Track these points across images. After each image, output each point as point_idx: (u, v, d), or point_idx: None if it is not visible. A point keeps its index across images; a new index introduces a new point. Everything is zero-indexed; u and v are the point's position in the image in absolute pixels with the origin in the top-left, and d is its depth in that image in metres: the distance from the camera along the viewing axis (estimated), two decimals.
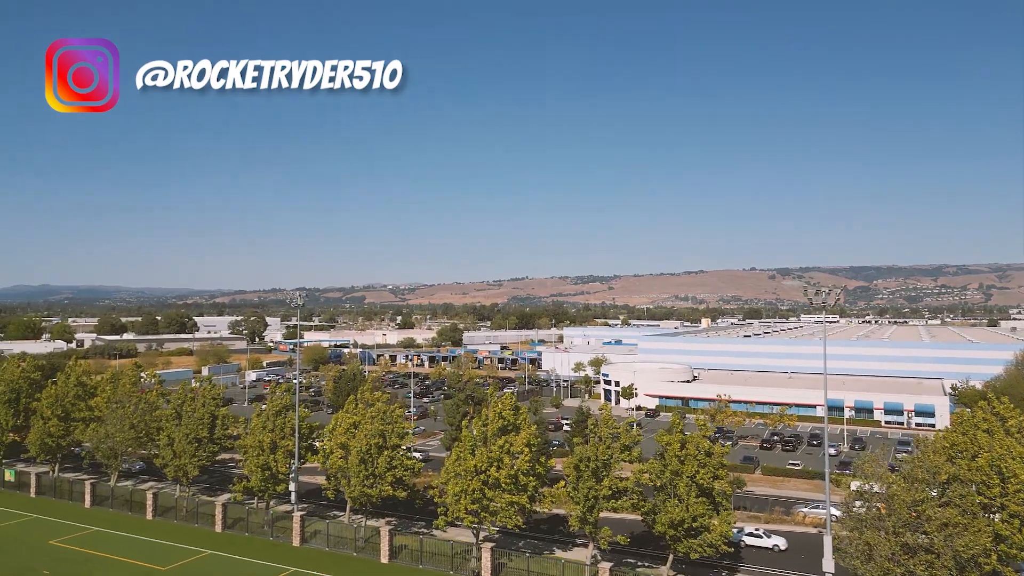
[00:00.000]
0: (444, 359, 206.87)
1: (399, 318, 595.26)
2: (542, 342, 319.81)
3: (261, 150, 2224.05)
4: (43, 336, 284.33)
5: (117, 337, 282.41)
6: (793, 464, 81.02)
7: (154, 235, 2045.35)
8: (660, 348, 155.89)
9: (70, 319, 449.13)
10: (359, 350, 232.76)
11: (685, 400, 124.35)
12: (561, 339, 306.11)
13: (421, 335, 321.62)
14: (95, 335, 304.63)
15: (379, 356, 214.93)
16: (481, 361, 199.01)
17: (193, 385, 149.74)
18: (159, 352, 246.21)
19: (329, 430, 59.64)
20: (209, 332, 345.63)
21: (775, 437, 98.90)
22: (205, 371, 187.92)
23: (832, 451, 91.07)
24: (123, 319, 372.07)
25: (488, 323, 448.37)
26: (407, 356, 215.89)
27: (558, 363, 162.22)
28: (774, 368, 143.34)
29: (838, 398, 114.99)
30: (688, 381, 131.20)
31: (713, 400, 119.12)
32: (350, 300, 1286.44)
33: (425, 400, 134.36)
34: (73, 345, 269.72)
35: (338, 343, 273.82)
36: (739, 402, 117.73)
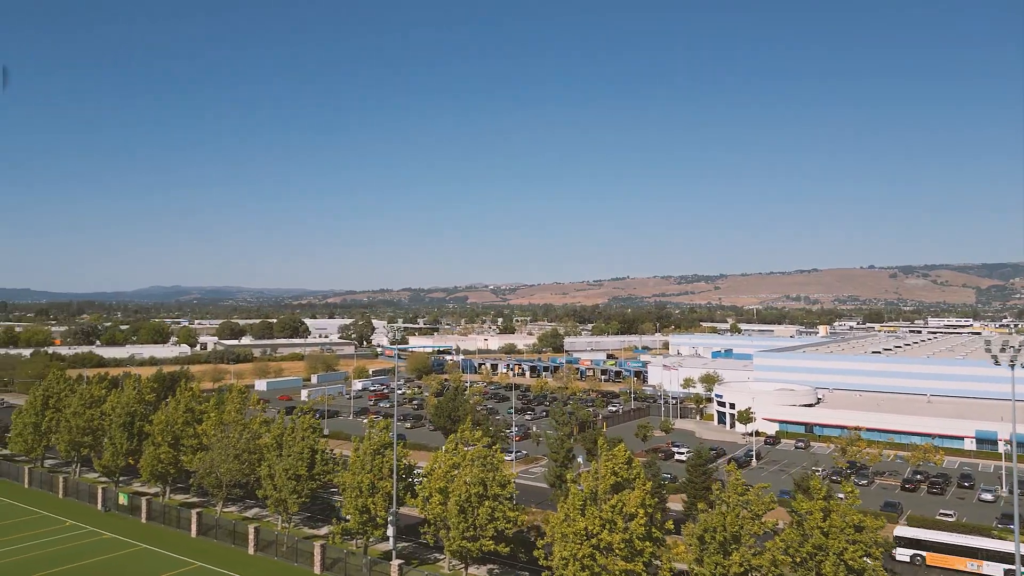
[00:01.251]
0: (546, 369, 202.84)
1: (500, 320, 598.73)
2: (646, 349, 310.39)
3: (370, 154, 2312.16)
4: (170, 340, 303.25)
5: (236, 342, 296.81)
6: (945, 514, 70.56)
7: (273, 239, 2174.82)
8: (778, 365, 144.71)
9: (196, 321, 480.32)
10: (461, 357, 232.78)
11: (809, 426, 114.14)
12: (666, 346, 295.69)
13: (522, 340, 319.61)
14: (216, 338, 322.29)
15: (480, 365, 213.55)
16: (584, 372, 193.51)
17: (304, 399, 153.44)
18: (272, 357, 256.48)
19: (428, 471, 56.61)
20: (320, 335, 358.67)
21: (918, 476, 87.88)
22: (314, 379, 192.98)
23: (989, 496, 79.77)
24: (241, 322, 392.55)
25: (589, 327, 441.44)
26: (508, 365, 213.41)
27: (666, 379, 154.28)
28: (910, 389, 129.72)
29: (990, 429, 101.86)
30: (811, 404, 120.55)
31: (841, 428, 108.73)
32: (453, 300, 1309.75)
33: (527, 417, 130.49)
34: (197, 348, 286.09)
35: (441, 349, 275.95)
36: (872, 430, 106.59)
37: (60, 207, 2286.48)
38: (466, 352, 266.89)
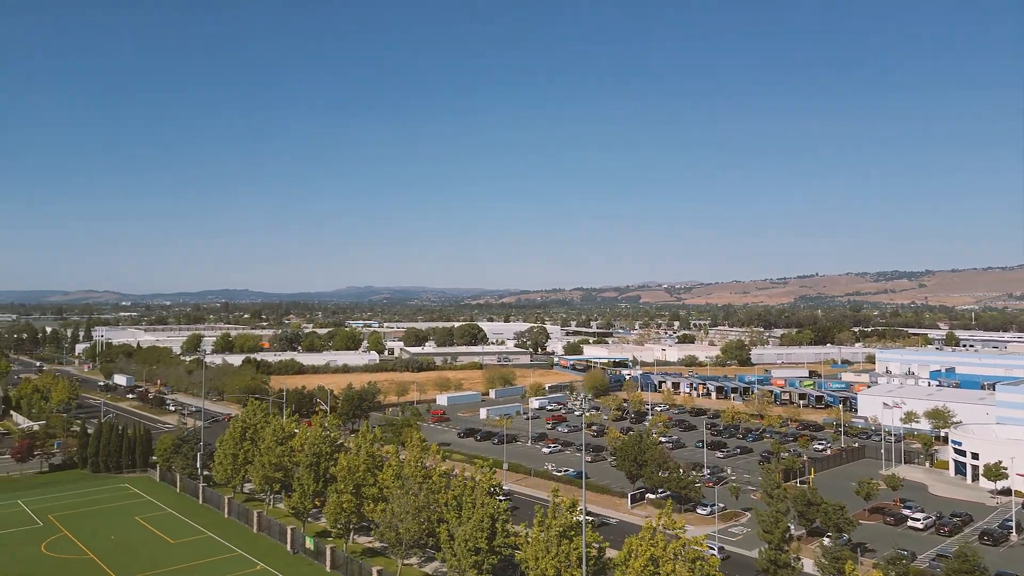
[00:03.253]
0: (734, 391, 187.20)
1: (676, 323, 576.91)
2: (846, 363, 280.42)
3: (543, 157, 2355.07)
4: (361, 346, 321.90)
5: (419, 349, 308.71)
6: None
7: (455, 242, 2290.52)
8: None
9: (384, 324, 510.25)
10: (639, 372, 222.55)
11: None
12: (871, 360, 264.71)
13: (703, 351, 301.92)
14: (401, 344, 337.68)
15: (660, 383, 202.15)
16: (778, 395, 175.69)
17: (482, 416, 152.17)
18: (452, 365, 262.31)
19: (622, 559, 49.05)
20: (495, 340, 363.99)
21: None
22: (492, 394, 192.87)
23: None
24: (423, 326, 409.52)
25: (777, 334, 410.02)
26: (691, 384, 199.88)
27: (882, 413, 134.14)
28: None
29: None
30: None
31: None
32: (626, 300, 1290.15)
33: (719, 455, 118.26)
34: (385, 354, 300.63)
35: (616, 361, 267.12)
36: None
37: (273, 215, 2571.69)
38: (643, 364, 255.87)
